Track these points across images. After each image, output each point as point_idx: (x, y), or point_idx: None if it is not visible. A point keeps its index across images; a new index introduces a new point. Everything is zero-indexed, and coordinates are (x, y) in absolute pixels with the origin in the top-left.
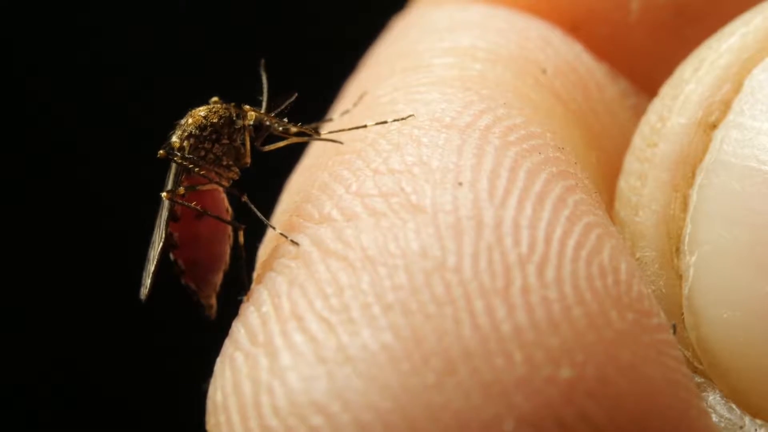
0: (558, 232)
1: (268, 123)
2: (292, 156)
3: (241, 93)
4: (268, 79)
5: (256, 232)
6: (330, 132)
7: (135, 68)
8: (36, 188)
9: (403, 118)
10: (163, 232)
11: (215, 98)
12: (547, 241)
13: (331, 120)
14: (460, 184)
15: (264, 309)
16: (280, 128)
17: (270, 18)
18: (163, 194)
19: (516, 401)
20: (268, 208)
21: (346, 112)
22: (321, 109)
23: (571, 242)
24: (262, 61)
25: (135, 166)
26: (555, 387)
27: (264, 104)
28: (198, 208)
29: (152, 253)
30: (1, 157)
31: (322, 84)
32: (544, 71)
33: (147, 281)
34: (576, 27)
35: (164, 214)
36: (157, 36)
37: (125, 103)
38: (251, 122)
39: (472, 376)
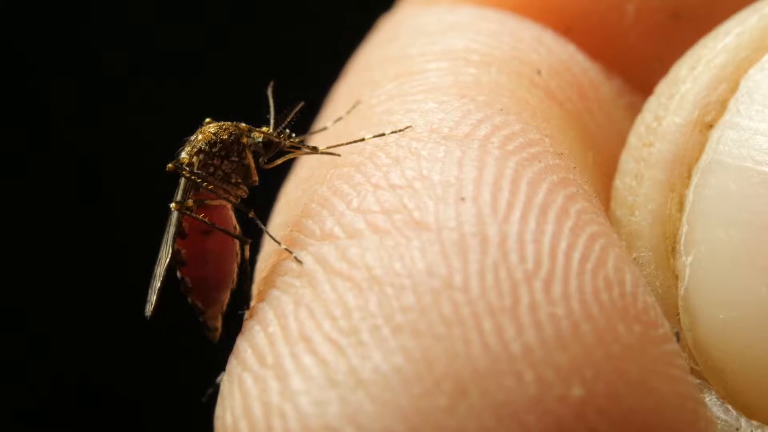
0: (563, 245)
1: (277, 140)
2: (286, 162)
3: (240, 93)
4: (259, 81)
5: (254, 244)
6: (329, 147)
7: (135, 68)
8: (36, 191)
9: (400, 130)
10: (170, 248)
11: (208, 119)
12: (552, 255)
13: (325, 128)
14: (463, 199)
15: (270, 329)
16: (288, 145)
17: (251, 18)
18: (172, 205)
19: (528, 422)
20: (262, 215)
21: (340, 119)
22: (308, 110)
23: (576, 255)
24: (271, 83)
25: (140, 174)
26: (566, 406)
27: (272, 122)
28: (206, 220)
29: (158, 269)
30: (2, 159)
31: (309, 85)
32: (538, 72)
33: (152, 298)
34: (569, 28)
35: (171, 230)
36: (157, 36)
37: (125, 104)
38: (260, 140)
39: (484, 397)
